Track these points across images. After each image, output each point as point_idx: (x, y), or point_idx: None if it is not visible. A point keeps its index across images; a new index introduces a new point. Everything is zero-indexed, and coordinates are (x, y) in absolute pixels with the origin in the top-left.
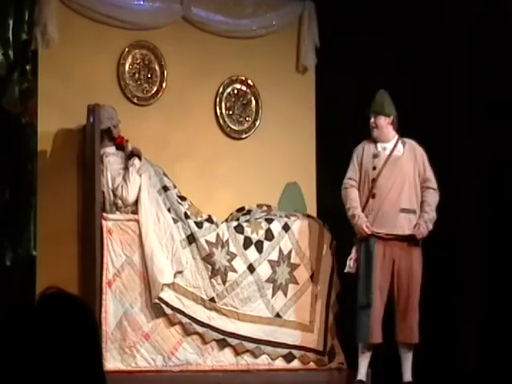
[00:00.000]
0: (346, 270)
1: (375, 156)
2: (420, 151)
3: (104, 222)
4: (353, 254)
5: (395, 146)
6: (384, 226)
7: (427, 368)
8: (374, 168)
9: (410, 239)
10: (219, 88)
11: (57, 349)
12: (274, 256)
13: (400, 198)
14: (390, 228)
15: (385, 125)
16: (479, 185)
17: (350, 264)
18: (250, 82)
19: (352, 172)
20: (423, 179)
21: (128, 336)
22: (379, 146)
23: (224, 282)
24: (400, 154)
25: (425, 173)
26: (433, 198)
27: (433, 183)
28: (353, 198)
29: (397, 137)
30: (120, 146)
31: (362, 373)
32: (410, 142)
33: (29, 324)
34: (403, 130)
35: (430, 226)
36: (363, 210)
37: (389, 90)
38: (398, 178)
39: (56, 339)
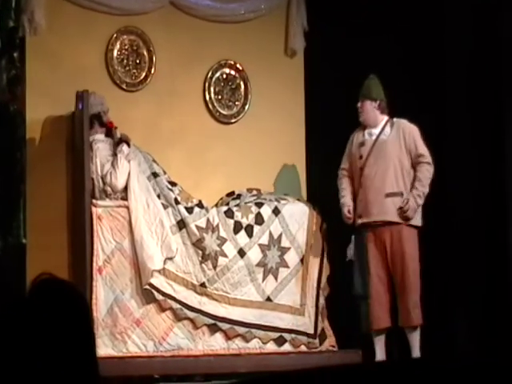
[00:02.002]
0: (347, 259)
1: (361, 144)
2: (409, 129)
3: (94, 209)
4: (352, 244)
5: (382, 130)
6: (371, 214)
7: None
8: (361, 157)
9: (398, 223)
10: (208, 73)
11: (50, 335)
12: (265, 240)
13: (385, 183)
14: (376, 215)
15: (371, 109)
16: (476, 170)
17: (351, 252)
18: (238, 66)
19: (344, 161)
20: (416, 156)
21: (119, 322)
22: (366, 132)
23: (215, 266)
24: (386, 138)
25: (416, 150)
26: (424, 173)
27: (426, 157)
28: (343, 187)
29: (385, 120)
30: (111, 130)
31: (379, 356)
32: (399, 122)
33: (22, 310)
34: (395, 114)
35: (419, 201)
36: (355, 200)
37: (378, 73)
38: (383, 163)
39: (49, 325)
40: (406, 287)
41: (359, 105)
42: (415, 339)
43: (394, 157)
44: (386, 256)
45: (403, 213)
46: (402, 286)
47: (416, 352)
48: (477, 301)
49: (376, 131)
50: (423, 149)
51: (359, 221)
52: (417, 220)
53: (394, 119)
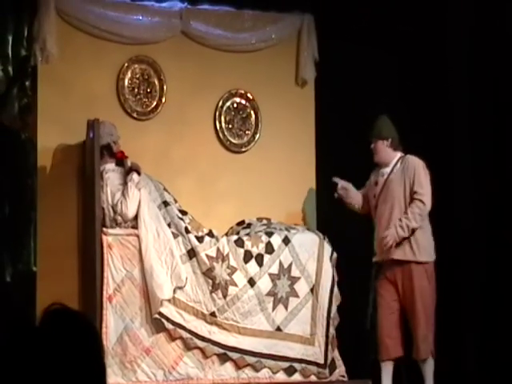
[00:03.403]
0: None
1: (375, 184)
2: (413, 165)
3: (104, 237)
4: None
5: (393, 168)
6: (381, 253)
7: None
8: (374, 196)
9: (408, 261)
10: (219, 102)
11: (61, 365)
12: (275, 269)
13: (390, 221)
14: (385, 254)
15: (383, 148)
16: (478, 193)
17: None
18: (249, 95)
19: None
20: (411, 192)
21: (129, 351)
22: (380, 172)
23: (225, 296)
24: (394, 177)
25: (413, 186)
26: (413, 208)
27: (419, 194)
28: None
29: (397, 157)
30: (120, 160)
31: None
32: (407, 159)
33: (33, 340)
34: (407, 148)
35: (401, 232)
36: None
37: (388, 103)
38: (389, 202)
39: (60, 355)
40: (416, 322)
41: (372, 146)
42: (428, 371)
43: (399, 194)
44: (398, 292)
45: (383, 241)
46: (412, 320)
47: None
48: (488, 331)
49: (387, 170)
50: (419, 185)
51: (373, 259)
52: (425, 256)
53: (407, 156)
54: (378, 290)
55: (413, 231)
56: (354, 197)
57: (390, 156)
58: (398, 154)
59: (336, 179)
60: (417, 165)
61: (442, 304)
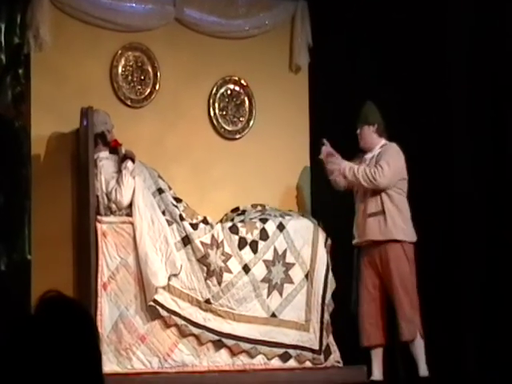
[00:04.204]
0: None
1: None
2: (385, 149)
3: (98, 225)
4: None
5: (374, 155)
6: (359, 235)
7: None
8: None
9: (384, 241)
10: (212, 89)
11: (57, 352)
12: (269, 256)
13: (366, 204)
14: (362, 236)
15: (368, 133)
16: (477, 187)
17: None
18: (243, 82)
19: None
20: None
21: (124, 338)
22: (363, 158)
23: (219, 282)
24: (372, 164)
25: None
26: (366, 169)
27: (379, 166)
28: None
29: (381, 144)
30: (115, 149)
31: (375, 373)
32: (386, 146)
33: (29, 328)
34: (395, 130)
35: (347, 170)
36: None
37: (382, 89)
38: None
39: (56, 343)
40: (398, 303)
41: (358, 131)
42: (418, 353)
43: None
44: (379, 274)
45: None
46: (394, 302)
47: (422, 366)
48: (488, 331)
49: (370, 156)
50: (382, 161)
51: (353, 241)
52: (401, 234)
53: (389, 143)
54: (360, 275)
55: (356, 177)
56: (338, 164)
57: (374, 142)
58: (383, 141)
59: (325, 141)
60: (389, 148)
61: (441, 303)
